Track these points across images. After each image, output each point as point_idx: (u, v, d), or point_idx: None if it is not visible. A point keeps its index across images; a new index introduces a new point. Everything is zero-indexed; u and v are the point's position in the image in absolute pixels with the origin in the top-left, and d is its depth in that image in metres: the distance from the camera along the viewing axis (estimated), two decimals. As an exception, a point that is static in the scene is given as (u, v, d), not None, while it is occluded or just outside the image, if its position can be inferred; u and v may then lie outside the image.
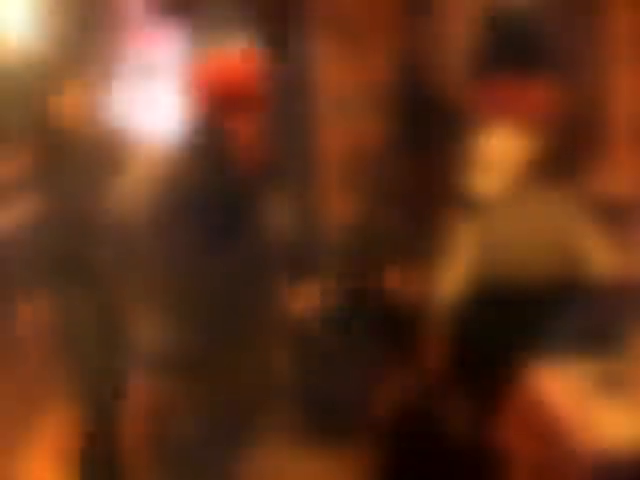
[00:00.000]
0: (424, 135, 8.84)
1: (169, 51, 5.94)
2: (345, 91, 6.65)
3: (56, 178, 3.66)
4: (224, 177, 2.85)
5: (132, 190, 3.10)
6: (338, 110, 6.67)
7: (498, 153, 4.40)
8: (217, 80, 2.85)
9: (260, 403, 3.29)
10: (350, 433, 5.29)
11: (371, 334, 5.23)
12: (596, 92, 7.24)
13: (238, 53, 3.22)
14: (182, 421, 3.20)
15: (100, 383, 3.69)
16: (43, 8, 6.67)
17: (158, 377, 3.19)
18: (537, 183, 4.41)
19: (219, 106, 2.84)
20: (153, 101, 5.37)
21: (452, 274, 4.47)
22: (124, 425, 4.12)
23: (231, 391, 3.12)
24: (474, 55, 9.77)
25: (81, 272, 3.46)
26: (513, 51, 8.80)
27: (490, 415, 3.68)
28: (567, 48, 8.21)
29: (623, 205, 5.29)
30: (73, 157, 3.68)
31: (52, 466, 5.12)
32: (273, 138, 3.18)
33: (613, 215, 5.49)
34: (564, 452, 2.90)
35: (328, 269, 5.36)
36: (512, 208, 4.37)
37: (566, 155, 4.96)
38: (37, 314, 4.22)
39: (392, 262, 5.35)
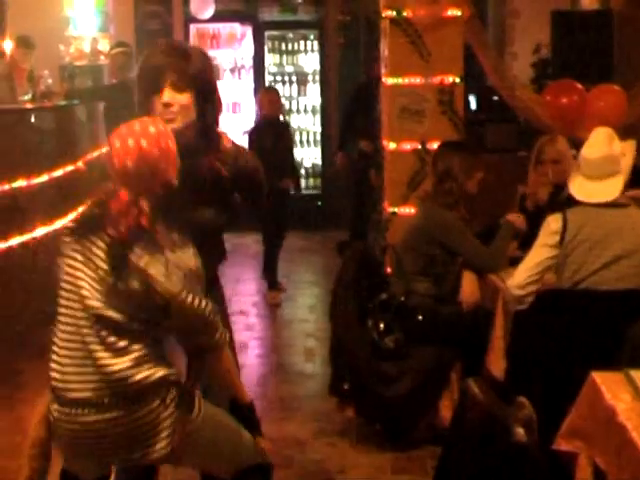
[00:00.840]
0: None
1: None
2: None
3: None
4: None
5: None
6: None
7: (594, 157, 4.37)
8: None
9: None
10: (413, 433, 5.33)
11: (440, 335, 5.25)
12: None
13: None
14: None
15: None
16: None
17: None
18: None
19: None
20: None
21: (527, 271, 4.46)
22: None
23: None
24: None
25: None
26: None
27: (557, 423, 3.67)
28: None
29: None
30: None
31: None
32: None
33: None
34: (635, 461, 2.89)
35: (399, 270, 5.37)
36: (602, 212, 4.34)
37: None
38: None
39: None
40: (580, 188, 4.43)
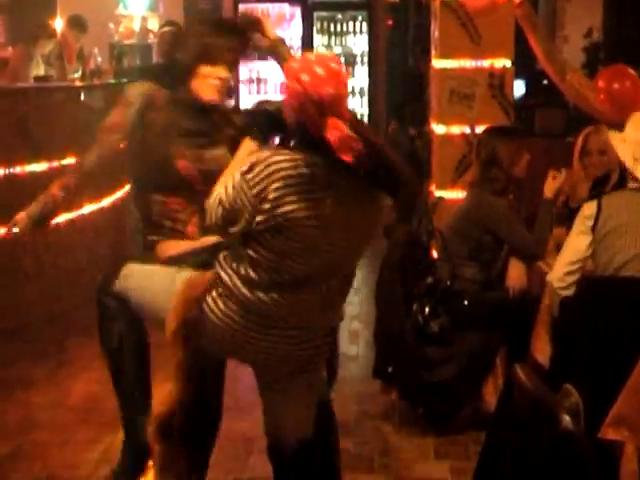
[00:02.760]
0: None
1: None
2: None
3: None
4: None
5: None
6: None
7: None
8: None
9: None
10: (457, 418, 5.32)
11: (485, 320, 5.22)
12: None
13: None
14: None
15: None
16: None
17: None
18: None
19: None
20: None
21: (565, 263, 4.43)
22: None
23: None
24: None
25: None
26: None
27: (604, 411, 3.64)
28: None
29: None
30: None
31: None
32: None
33: None
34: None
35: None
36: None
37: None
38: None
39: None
40: None
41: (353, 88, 12.26)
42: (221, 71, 3.79)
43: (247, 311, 3.25)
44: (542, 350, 4.84)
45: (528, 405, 3.00)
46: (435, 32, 6.95)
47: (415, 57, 10.36)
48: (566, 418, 2.93)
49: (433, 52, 7.04)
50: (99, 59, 9.32)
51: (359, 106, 12.25)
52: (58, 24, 9.37)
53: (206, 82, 3.79)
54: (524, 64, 9.22)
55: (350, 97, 12.21)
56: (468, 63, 6.71)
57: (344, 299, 3.47)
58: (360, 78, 12.23)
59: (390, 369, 5.24)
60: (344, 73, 3.15)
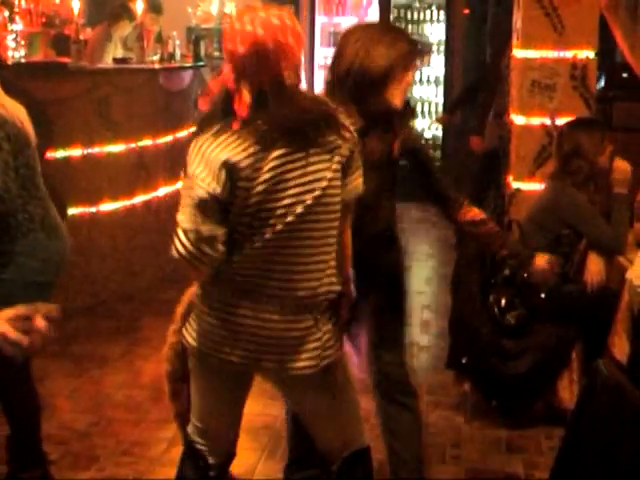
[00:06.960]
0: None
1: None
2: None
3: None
4: None
5: None
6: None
7: None
8: None
9: None
10: (529, 412, 5.27)
11: (562, 314, 5.17)
12: None
13: None
14: None
15: None
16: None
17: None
18: None
19: None
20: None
21: None
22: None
23: None
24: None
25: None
26: None
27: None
28: None
29: None
30: None
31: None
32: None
33: None
34: None
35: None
36: None
37: None
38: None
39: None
40: None
41: (428, 77, 12.18)
42: (410, 76, 3.85)
43: None
44: (620, 347, 4.78)
45: (613, 402, 2.95)
46: (517, 22, 6.85)
47: (492, 49, 10.16)
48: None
49: (515, 42, 6.95)
50: (177, 42, 9.35)
51: (434, 95, 12.15)
52: (139, 7, 9.40)
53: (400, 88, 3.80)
54: (604, 56, 9.09)
55: (425, 86, 12.18)
56: (550, 54, 6.60)
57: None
58: (436, 67, 12.14)
59: (464, 360, 5.20)
60: (267, 42, 3.03)
